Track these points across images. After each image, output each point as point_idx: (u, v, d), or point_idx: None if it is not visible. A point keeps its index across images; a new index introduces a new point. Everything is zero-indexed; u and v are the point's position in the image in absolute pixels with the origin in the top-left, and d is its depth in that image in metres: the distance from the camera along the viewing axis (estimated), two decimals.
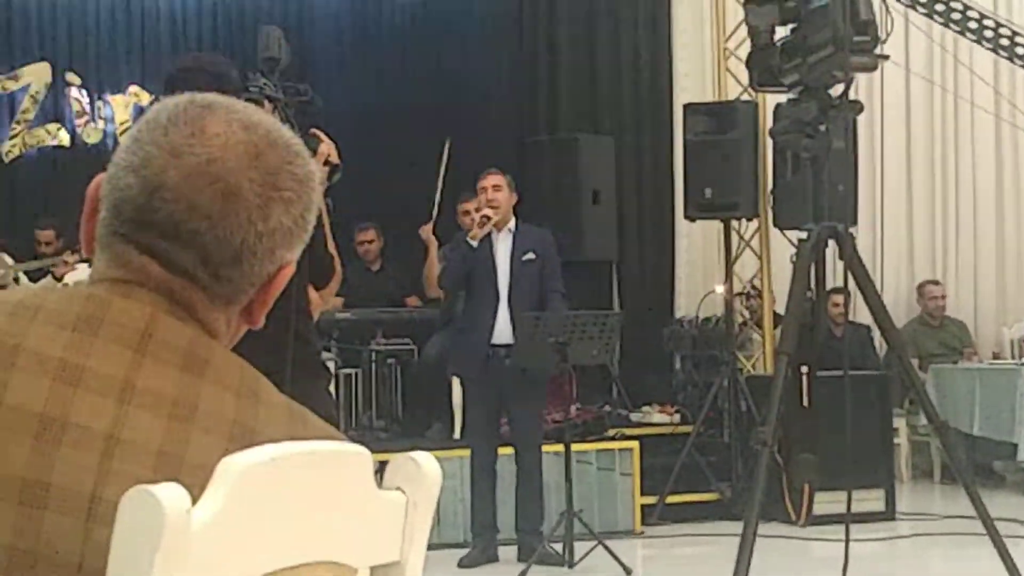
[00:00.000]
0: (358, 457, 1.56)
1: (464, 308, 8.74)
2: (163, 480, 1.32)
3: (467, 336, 8.61)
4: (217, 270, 1.57)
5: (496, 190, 8.53)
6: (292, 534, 1.47)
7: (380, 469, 1.61)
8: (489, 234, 8.46)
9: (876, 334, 11.14)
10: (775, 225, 10.71)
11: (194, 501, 1.33)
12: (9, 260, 10.26)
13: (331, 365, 9.35)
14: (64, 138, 11.84)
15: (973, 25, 8.96)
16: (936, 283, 12.32)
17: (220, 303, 1.60)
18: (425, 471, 1.64)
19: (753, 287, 11.42)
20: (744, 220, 11.10)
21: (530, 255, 8.54)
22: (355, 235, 11.14)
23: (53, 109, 11.84)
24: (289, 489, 1.45)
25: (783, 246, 10.55)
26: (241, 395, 1.54)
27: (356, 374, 10.46)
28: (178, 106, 1.60)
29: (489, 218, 8.41)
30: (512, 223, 8.60)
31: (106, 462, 1.42)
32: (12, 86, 11.73)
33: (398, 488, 1.63)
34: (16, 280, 9.96)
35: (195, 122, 1.57)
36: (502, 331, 8.44)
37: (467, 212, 9.37)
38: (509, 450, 8.61)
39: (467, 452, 8.66)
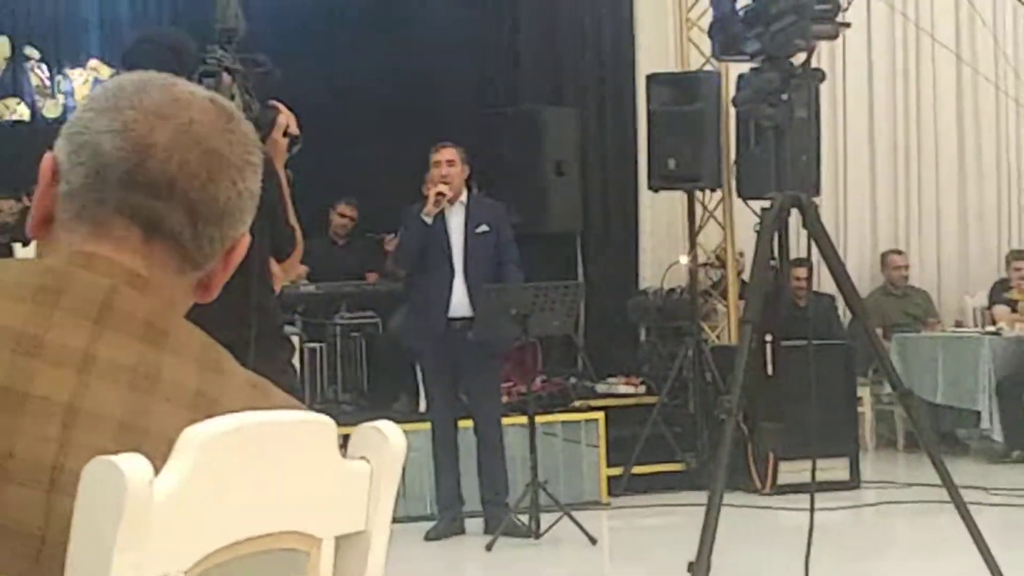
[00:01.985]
0: (322, 427, 1.56)
1: (418, 283, 8.69)
2: (125, 451, 1.31)
3: (423, 311, 8.59)
4: (203, 228, 1.59)
5: (450, 165, 8.50)
6: (256, 504, 1.46)
7: (344, 443, 1.61)
8: (441, 209, 8.43)
9: (840, 303, 11.18)
10: (738, 195, 10.71)
11: (156, 472, 1.32)
12: None
13: (296, 339, 9.34)
14: (23, 112, 11.77)
15: None
16: (899, 252, 12.37)
17: (190, 267, 1.61)
18: (389, 440, 1.63)
19: (717, 258, 11.44)
20: (708, 191, 11.11)
21: (484, 227, 8.52)
22: (337, 206, 11.18)
23: (12, 84, 11.77)
24: (253, 459, 1.45)
25: (747, 216, 10.56)
26: (203, 366, 1.54)
27: (321, 348, 10.44)
28: (142, 78, 1.62)
29: (444, 195, 8.39)
30: (464, 196, 8.59)
31: (67, 433, 1.41)
32: None
33: (362, 457, 1.62)
34: None
35: (166, 88, 1.61)
36: (459, 304, 8.43)
37: (432, 181, 9.31)
38: (471, 422, 8.61)
39: None
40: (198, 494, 1.37)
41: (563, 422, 9.64)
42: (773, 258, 5.66)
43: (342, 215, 11.26)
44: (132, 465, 1.29)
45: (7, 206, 10.64)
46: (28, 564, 1.37)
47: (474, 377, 8.50)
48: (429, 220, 8.38)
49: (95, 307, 1.50)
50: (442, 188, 8.39)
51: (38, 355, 1.44)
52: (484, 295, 8.25)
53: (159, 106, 1.58)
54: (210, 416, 1.43)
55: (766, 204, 5.79)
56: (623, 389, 10.77)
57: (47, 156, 1.62)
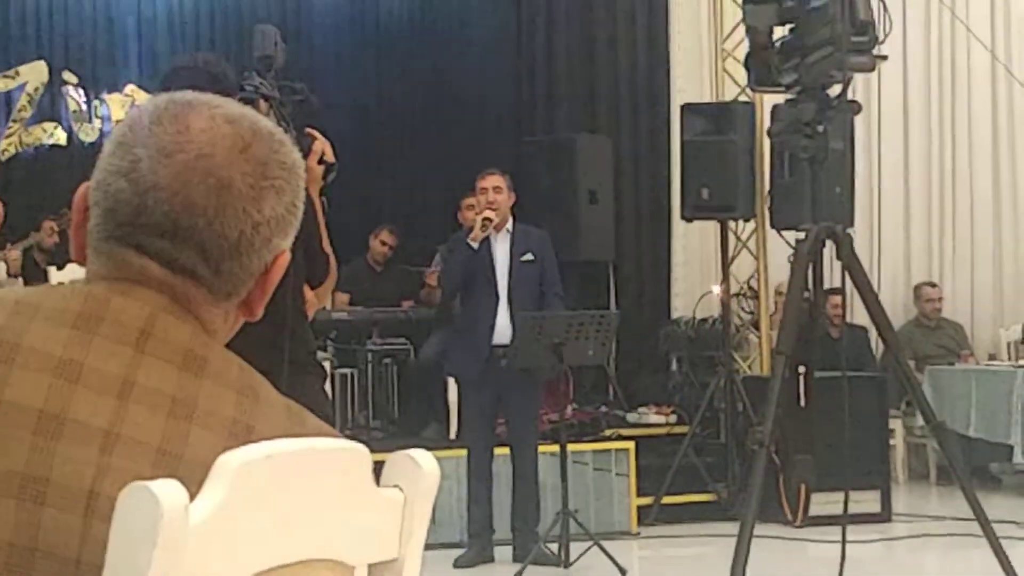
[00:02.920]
0: (356, 454, 1.56)
1: (462, 309, 8.70)
2: (161, 477, 1.32)
3: (466, 337, 8.58)
4: (218, 265, 1.58)
5: (496, 192, 8.49)
6: (290, 531, 1.46)
7: (376, 470, 1.61)
8: (487, 235, 8.43)
9: (873, 335, 11.14)
10: (772, 226, 10.70)
11: (192, 498, 1.32)
12: None
13: (327, 365, 9.34)
14: (61, 137, 11.85)
15: None
16: (933, 285, 12.31)
17: (221, 297, 1.61)
18: (423, 469, 1.63)
19: (750, 288, 11.42)
20: (741, 221, 11.10)
21: (529, 256, 8.51)
22: (378, 233, 11.20)
23: (50, 108, 11.85)
24: (287, 486, 1.45)
25: (780, 247, 10.55)
26: (240, 393, 1.54)
27: (352, 374, 10.45)
28: (159, 106, 1.60)
29: (490, 220, 8.37)
30: (510, 224, 8.58)
31: (105, 458, 1.41)
32: (9, 85, 11.74)
33: (396, 486, 1.62)
34: None
35: (179, 120, 1.57)
36: (502, 332, 8.40)
37: (471, 207, 9.31)
38: (505, 450, 8.60)
39: (463, 452, 8.63)
40: (233, 521, 1.37)
41: (594, 451, 9.61)
42: (807, 289, 5.65)
43: (383, 243, 11.28)
44: (167, 491, 1.29)
45: (48, 227, 10.72)
46: None
47: (515, 405, 8.46)
48: (475, 245, 8.37)
49: (135, 334, 1.51)
50: (489, 214, 8.38)
51: (78, 380, 1.45)
52: (521, 323, 8.24)
53: (167, 142, 1.55)
54: (246, 443, 1.44)
55: (799, 235, 5.79)
56: (654, 419, 10.75)
57: (82, 189, 1.62)
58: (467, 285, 8.50)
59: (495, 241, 8.49)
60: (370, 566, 1.61)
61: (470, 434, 8.70)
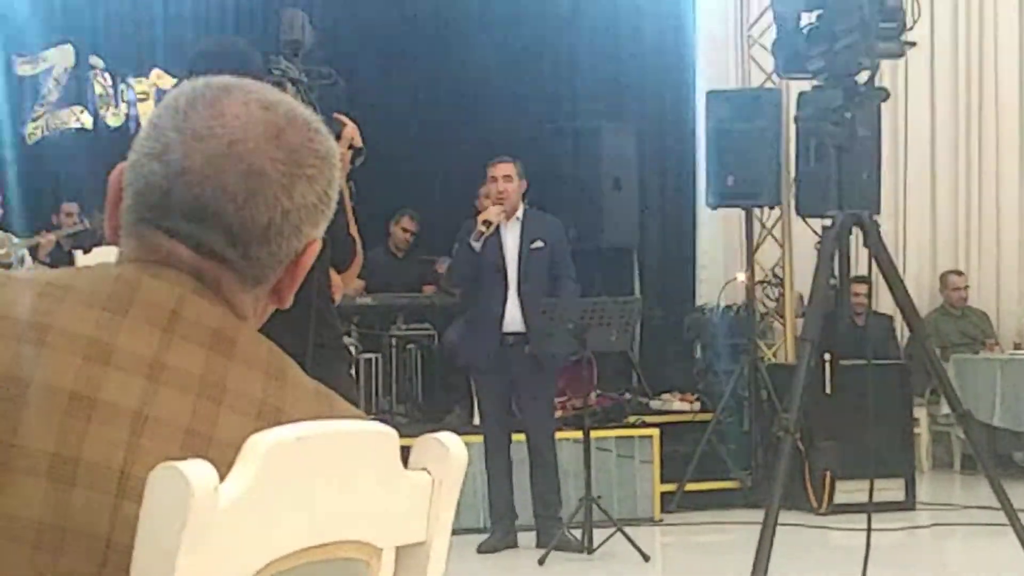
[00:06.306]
0: (384, 437, 1.56)
1: (473, 298, 8.69)
2: (191, 458, 1.32)
3: (477, 326, 8.59)
4: (247, 250, 1.58)
5: (507, 180, 8.48)
6: (318, 513, 1.47)
7: (401, 454, 1.61)
8: (494, 231, 8.40)
9: (898, 324, 11.12)
10: (797, 213, 10.68)
11: (222, 479, 1.33)
12: (14, 239, 10.33)
13: (352, 350, 9.37)
14: (87, 121, 11.87)
15: None
16: (959, 273, 12.27)
17: (249, 283, 1.61)
18: (451, 451, 1.63)
19: (775, 275, 11.40)
20: (766, 208, 11.08)
21: (539, 243, 8.50)
22: (400, 219, 11.23)
23: (76, 92, 11.87)
24: (316, 468, 1.45)
25: (805, 234, 10.52)
26: (269, 375, 1.55)
27: (376, 359, 10.47)
28: (195, 90, 1.60)
29: (490, 223, 8.34)
30: (520, 211, 8.57)
31: (135, 439, 1.42)
32: (36, 69, 11.76)
33: (424, 468, 1.62)
34: (21, 260, 10.02)
35: (214, 105, 1.57)
36: (512, 319, 8.41)
37: (488, 195, 9.32)
38: (524, 436, 8.60)
39: None
40: (262, 502, 1.38)
41: (617, 437, 9.62)
42: (834, 276, 5.64)
43: (404, 229, 11.30)
44: (197, 471, 1.30)
45: (69, 208, 10.74)
46: (94, 568, 1.38)
47: (528, 392, 8.48)
48: (477, 246, 8.36)
49: (165, 315, 1.51)
50: (490, 215, 8.35)
51: (108, 362, 1.45)
52: (540, 310, 8.24)
53: (200, 126, 1.56)
54: (275, 425, 1.44)
55: (825, 222, 5.78)
56: (678, 406, 10.75)
57: (117, 169, 1.63)
58: (477, 274, 8.49)
59: (505, 229, 8.49)
60: (398, 548, 1.61)
61: (486, 420, 8.72)
